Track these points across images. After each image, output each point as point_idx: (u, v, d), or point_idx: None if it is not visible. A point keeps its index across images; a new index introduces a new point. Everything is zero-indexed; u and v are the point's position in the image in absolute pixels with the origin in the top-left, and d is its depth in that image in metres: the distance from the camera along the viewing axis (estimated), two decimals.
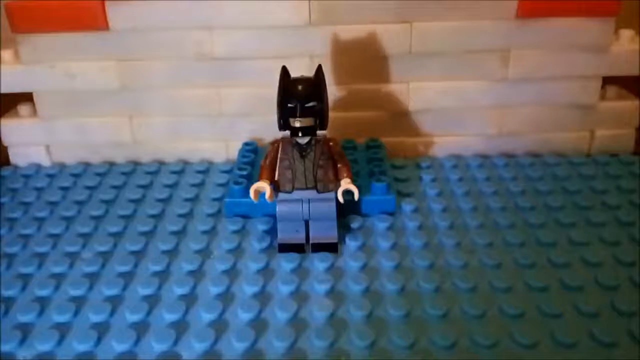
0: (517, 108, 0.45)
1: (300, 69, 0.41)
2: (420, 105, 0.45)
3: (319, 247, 0.34)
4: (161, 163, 0.46)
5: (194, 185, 0.43)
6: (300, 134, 0.33)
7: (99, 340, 0.29)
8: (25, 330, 0.29)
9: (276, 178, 0.34)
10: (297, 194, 0.34)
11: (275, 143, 0.35)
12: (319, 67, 0.34)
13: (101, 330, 0.29)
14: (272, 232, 0.36)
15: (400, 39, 0.42)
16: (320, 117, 0.34)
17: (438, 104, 0.44)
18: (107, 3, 0.41)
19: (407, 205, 0.38)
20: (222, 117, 0.45)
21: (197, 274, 0.33)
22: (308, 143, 0.34)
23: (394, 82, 0.44)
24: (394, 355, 0.27)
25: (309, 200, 0.34)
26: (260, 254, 0.34)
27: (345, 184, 0.34)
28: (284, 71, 0.34)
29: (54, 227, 0.38)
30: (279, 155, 0.34)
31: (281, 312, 0.30)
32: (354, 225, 0.37)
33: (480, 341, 0.28)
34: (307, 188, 0.34)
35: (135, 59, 0.43)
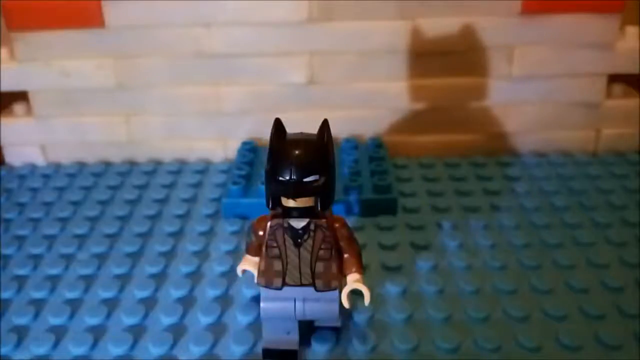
0: (522, 106, 0.44)
1: (300, 68, 0.41)
2: (423, 103, 0.44)
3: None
4: (158, 163, 0.46)
5: (191, 185, 0.42)
6: (295, 214, 0.25)
7: (95, 343, 0.28)
8: (20, 333, 0.29)
9: (260, 269, 0.26)
10: (288, 291, 0.26)
11: (261, 222, 0.26)
12: (324, 124, 0.25)
13: (97, 333, 0.29)
14: None
15: (401, 35, 0.42)
16: (324, 195, 0.25)
17: (441, 102, 0.44)
18: (103, 0, 0.41)
19: (409, 205, 0.38)
20: (220, 115, 0.45)
21: (194, 276, 0.33)
22: (305, 227, 0.25)
23: (396, 79, 0.43)
24: (394, 356, 0.27)
25: (303, 299, 0.26)
26: None
27: (353, 282, 0.26)
28: (277, 127, 0.25)
29: (49, 228, 0.37)
30: (265, 241, 0.25)
31: None
32: (354, 225, 0.36)
33: (484, 344, 0.27)
34: (302, 285, 0.26)
35: (131, 57, 0.43)
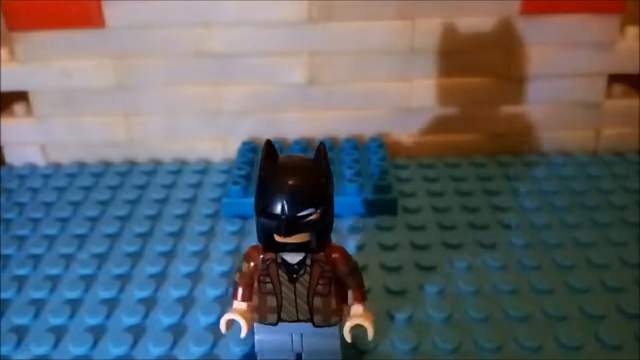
0: (522, 106, 0.44)
1: (300, 68, 0.41)
2: (423, 103, 0.44)
3: None
4: (158, 163, 0.46)
5: (191, 185, 0.42)
6: (288, 249, 0.23)
7: (95, 343, 0.28)
8: (20, 333, 0.29)
9: (254, 304, 0.24)
10: (285, 326, 0.24)
11: (253, 254, 0.24)
12: (321, 148, 0.23)
13: (97, 333, 0.29)
14: None
15: (402, 35, 0.42)
16: (320, 230, 0.22)
17: (441, 102, 0.44)
18: (103, 0, 0.41)
19: (409, 205, 0.38)
20: (220, 115, 0.45)
21: (194, 276, 0.33)
22: (301, 262, 0.23)
23: (396, 79, 0.43)
24: (394, 356, 0.27)
25: (301, 333, 0.24)
26: None
27: (356, 316, 0.24)
28: (267, 151, 0.22)
29: (49, 228, 0.37)
30: (258, 273, 0.23)
31: None
32: (355, 226, 0.36)
33: (484, 344, 0.27)
34: (298, 321, 0.24)
35: (131, 57, 0.43)
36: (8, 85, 0.44)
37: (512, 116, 0.45)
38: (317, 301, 0.23)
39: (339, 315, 0.24)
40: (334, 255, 0.23)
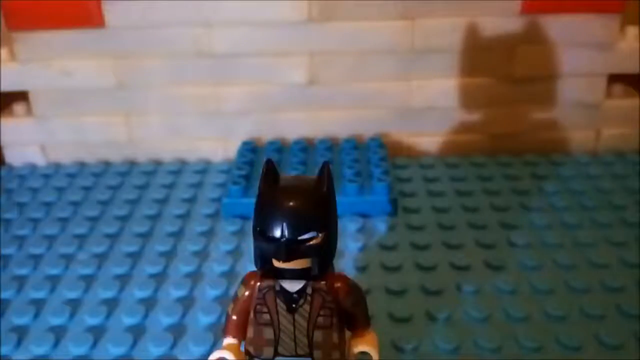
0: (522, 106, 0.44)
1: (300, 68, 0.41)
2: (424, 103, 0.44)
3: None
4: (158, 163, 0.46)
5: (191, 185, 0.42)
6: (288, 276, 0.21)
7: (95, 343, 0.28)
8: (20, 333, 0.29)
9: (249, 336, 0.22)
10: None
11: (250, 281, 0.22)
12: (326, 168, 0.21)
13: (97, 333, 0.29)
14: None
15: (402, 35, 0.42)
16: (322, 255, 0.21)
17: (441, 102, 0.44)
18: (103, 0, 0.41)
19: (409, 205, 0.38)
20: (220, 115, 0.45)
21: (194, 276, 0.33)
22: (301, 291, 0.21)
23: (397, 79, 0.43)
24: (394, 356, 0.27)
25: None
26: None
27: (361, 345, 0.22)
28: (268, 170, 0.21)
29: (49, 228, 0.37)
30: (254, 303, 0.22)
31: None
32: (354, 226, 0.36)
33: (484, 344, 0.27)
34: (297, 356, 0.22)
35: (131, 57, 0.43)
36: (8, 85, 0.44)
37: (512, 116, 0.44)
38: (318, 335, 0.21)
39: (341, 350, 0.22)
40: (336, 285, 0.22)
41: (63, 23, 0.41)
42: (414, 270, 0.32)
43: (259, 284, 0.21)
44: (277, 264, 0.21)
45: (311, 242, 0.20)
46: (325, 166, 0.21)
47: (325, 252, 0.21)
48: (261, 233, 0.20)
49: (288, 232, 0.20)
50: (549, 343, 0.27)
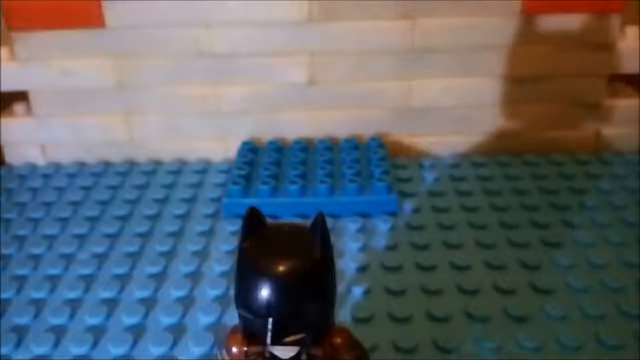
0: (522, 106, 0.44)
1: (300, 68, 0.40)
2: (423, 103, 0.44)
3: None
4: (158, 163, 0.46)
5: (191, 185, 0.42)
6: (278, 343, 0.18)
7: (95, 343, 0.28)
8: (20, 333, 0.29)
9: None
10: None
11: (232, 347, 0.19)
12: (319, 220, 0.18)
13: (97, 333, 0.29)
14: None
15: (402, 35, 0.42)
16: (318, 326, 0.18)
17: (441, 102, 0.44)
18: (103, 0, 0.41)
19: (409, 205, 0.38)
20: (220, 115, 0.45)
21: (194, 276, 0.33)
22: (295, 358, 0.18)
23: (397, 79, 0.43)
24: (392, 356, 0.27)
25: None
26: None
27: None
28: (250, 221, 0.19)
29: (49, 228, 0.37)
30: None
31: None
32: (354, 226, 0.36)
33: (484, 344, 0.27)
34: None
35: (131, 57, 0.43)
36: (8, 85, 0.44)
37: (512, 116, 0.45)
38: None
39: None
40: (336, 341, 0.19)
41: (63, 23, 0.41)
42: (414, 270, 0.32)
43: (245, 349, 0.18)
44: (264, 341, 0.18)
45: (305, 316, 0.17)
46: (319, 218, 0.18)
47: (321, 323, 0.18)
48: (245, 306, 0.18)
49: (277, 310, 0.17)
50: (548, 342, 0.27)
